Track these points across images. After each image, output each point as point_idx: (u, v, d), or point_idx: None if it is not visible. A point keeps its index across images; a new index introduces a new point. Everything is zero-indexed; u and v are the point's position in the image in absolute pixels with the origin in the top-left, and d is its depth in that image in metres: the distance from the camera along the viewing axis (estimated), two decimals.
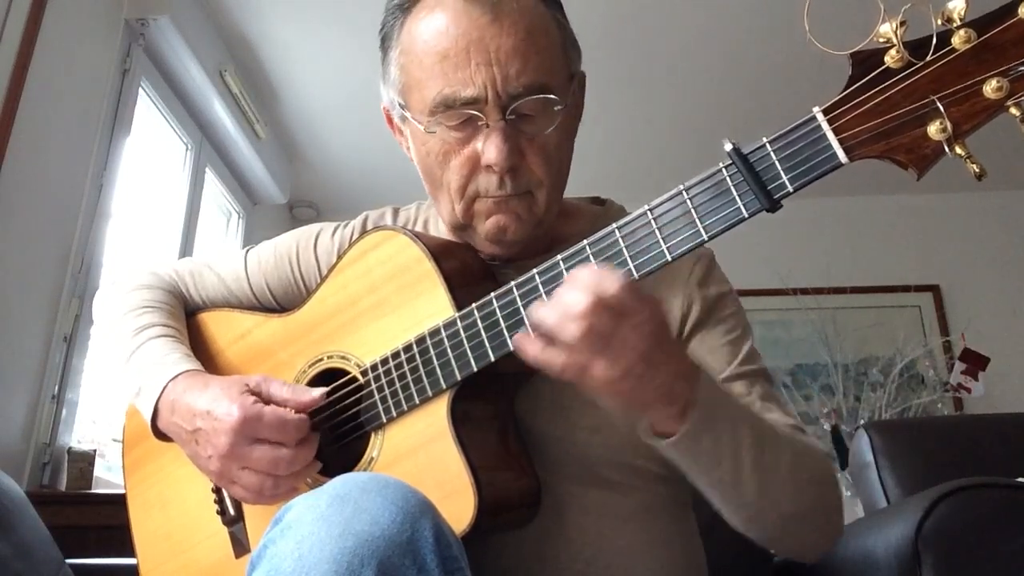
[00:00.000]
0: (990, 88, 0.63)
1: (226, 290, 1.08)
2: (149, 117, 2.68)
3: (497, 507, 0.78)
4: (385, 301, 0.88)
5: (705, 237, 0.71)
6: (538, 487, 0.83)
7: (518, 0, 0.85)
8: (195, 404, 0.86)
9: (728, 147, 0.70)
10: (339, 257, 0.94)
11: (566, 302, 0.67)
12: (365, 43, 1.24)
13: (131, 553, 1.05)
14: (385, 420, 0.85)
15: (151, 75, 2.60)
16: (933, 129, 0.64)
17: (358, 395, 0.88)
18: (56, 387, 2.06)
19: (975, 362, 3.20)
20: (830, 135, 0.67)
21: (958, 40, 0.64)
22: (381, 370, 0.86)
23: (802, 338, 3.42)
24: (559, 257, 0.76)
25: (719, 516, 0.82)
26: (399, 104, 0.91)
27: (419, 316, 0.85)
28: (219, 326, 1.04)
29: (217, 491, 0.97)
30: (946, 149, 0.65)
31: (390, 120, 0.97)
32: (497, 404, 0.86)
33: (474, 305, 0.80)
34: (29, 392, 1.98)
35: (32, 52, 1.94)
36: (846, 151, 0.67)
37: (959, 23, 0.64)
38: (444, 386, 0.81)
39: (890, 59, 0.66)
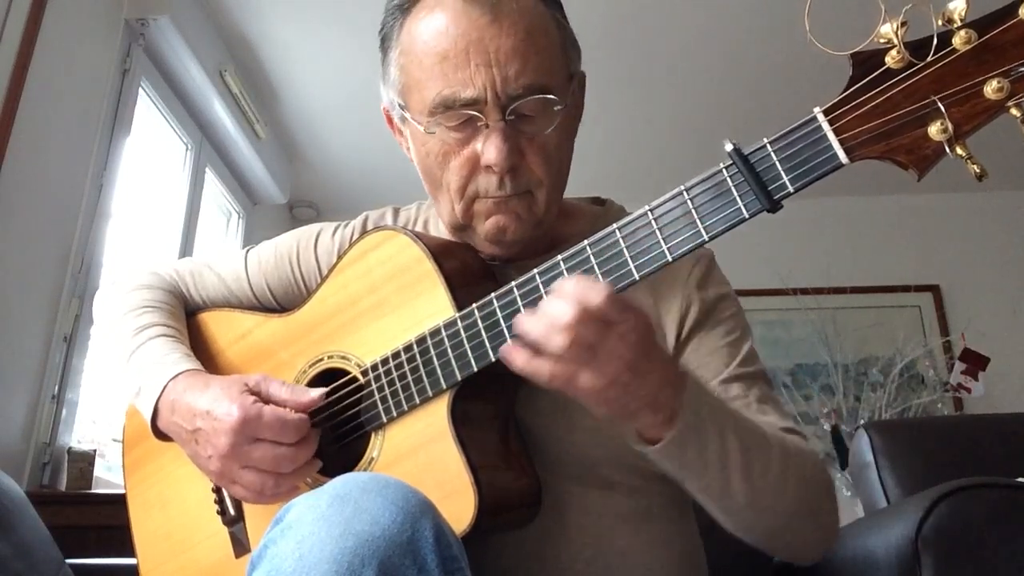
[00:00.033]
0: (991, 89, 0.63)
1: (226, 290, 1.08)
2: (149, 117, 2.68)
3: (497, 507, 0.78)
4: (385, 301, 0.88)
5: (706, 237, 0.71)
6: (538, 487, 0.83)
7: (517, 0, 0.85)
8: (195, 404, 0.86)
9: (729, 147, 0.70)
10: (339, 257, 0.94)
11: (552, 313, 0.67)
12: (365, 43, 1.24)
13: (131, 553, 1.05)
14: (385, 420, 0.85)
15: (151, 75, 2.60)
16: (934, 130, 0.65)
17: (358, 395, 0.88)
18: (56, 387, 2.06)
19: (975, 362, 3.20)
20: (831, 136, 0.67)
21: (959, 41, 0.64)
22: (381, 370, 0.86)
23: (802, 338, 3.41)
24: (560, 257, 0.76)
25: None
26: (399, 105, 0.91)
27: (419, 316, 0.85)
28: (219, 326, 1.04)
29: (217, 491, 0.97)
30: (947, 150, 0.65)
31: (390, 121, 0.98)
32: (497, 404, 0.86)
33: (474, 305, 0.80)
34: (29, 392, 1.98)
35: (32, 52, 1.94)
36: (847, 152, 0.67)
37: (960, 24, 0.64)
38: (444, 386, 0.81)
39: (891, 60, 0.66)
